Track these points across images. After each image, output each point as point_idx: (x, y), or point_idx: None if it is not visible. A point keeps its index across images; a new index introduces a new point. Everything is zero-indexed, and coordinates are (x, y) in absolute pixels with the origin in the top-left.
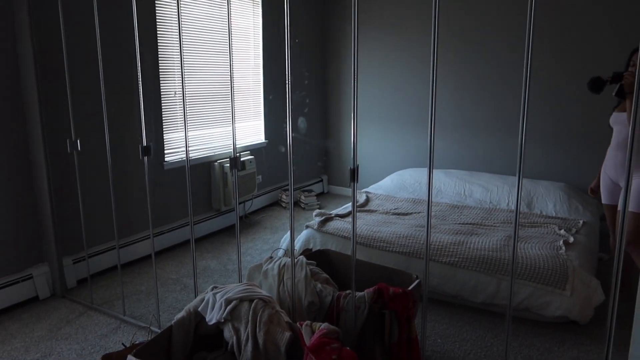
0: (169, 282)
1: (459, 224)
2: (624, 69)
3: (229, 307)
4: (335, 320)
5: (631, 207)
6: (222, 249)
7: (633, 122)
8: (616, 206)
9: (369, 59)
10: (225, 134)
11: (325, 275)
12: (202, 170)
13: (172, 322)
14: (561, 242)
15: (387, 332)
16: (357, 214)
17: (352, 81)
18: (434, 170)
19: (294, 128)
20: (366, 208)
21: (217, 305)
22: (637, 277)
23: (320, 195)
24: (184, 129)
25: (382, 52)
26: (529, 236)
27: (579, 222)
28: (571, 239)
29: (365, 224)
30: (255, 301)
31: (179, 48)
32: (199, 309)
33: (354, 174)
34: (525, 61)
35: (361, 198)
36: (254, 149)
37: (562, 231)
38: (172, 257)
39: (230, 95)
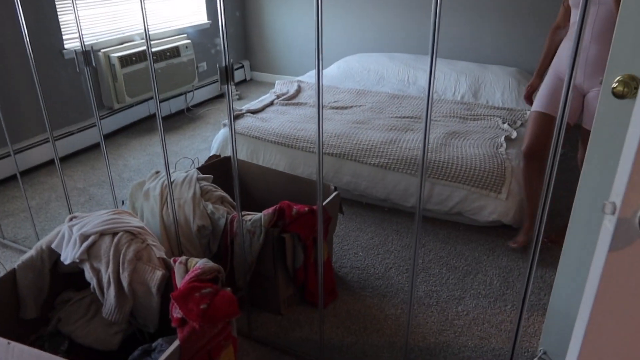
0: (74, 193)
1: (396, 117)
2: None
3: (84, 245)
4: (230, 247)
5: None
6: (118, 153)
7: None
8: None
9: None
10: (120, 13)
11: (219, 192)
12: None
13: (16, 264)
14: (502, 138)
15: (290, 258)
16: (280, 107)
17: None
18: (379, 53)
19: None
20: (294, 101)
21: (71, 241)
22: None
23: (241, 83)
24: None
25: None
26: (470, 131)
27: (526, 114)
28: (514, 134)
29: (290, 120)
30: (119, 235)
31: None
32: (53, 246)
33: (227, 73)
34: None
35: (291, 88)
36: (193, 32)
37: (506, 125)
38: (83, 162)
39: None
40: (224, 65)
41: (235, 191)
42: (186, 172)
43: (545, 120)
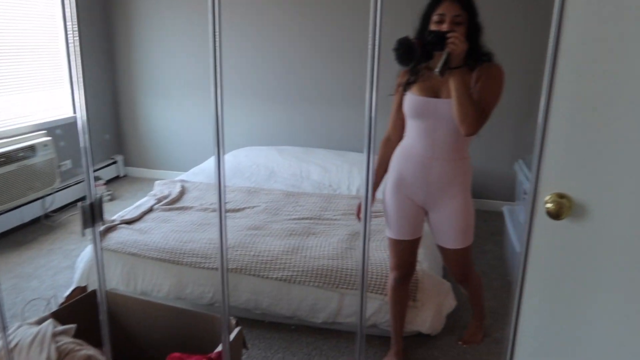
0: None
1: (294, 219)
2: (419, 25)
3: None
4: None
5: (458, 244)
6: None
7: (544, 120)
8: (418, 240)
9: (181, 20)
10: None
11: (85, 351)
12: None
13: None
14: None
15: None
16: (162, 214)
17: None
18: (268, 147)
19: None
20: (178, 205)
21: None
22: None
23: (114, 180)
24: None
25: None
26: (373, 230)
27: None
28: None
29: (174, 230)
30: None
31: None
32: None
33: (92, 211)
34: (371, 28)
35: (174, 190)
36: (56, 128)
37: None
38: None
39: None
40: (88, 202)
41: (106, 355)
42: (37, 325)
43: (402, 245)
